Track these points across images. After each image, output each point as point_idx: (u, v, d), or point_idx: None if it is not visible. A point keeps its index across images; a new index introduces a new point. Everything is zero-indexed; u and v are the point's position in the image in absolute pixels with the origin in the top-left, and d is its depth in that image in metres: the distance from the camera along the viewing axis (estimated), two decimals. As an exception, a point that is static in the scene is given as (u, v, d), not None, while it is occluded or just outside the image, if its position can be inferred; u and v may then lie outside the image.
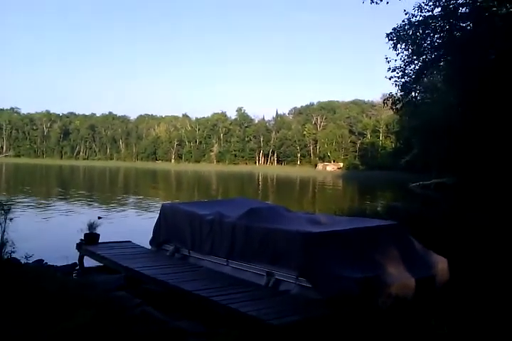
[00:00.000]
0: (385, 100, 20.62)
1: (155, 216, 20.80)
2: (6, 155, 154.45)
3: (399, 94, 19.08)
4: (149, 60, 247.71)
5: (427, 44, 17.42)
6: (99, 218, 19.00)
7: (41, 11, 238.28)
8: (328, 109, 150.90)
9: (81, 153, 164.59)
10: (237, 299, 6.73)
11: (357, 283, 6.40)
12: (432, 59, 17.78)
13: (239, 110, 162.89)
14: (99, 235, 11.17)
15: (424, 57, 17.70)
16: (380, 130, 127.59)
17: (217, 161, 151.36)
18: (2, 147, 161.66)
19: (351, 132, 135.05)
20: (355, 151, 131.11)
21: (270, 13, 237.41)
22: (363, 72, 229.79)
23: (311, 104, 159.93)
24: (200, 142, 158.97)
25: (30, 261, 9.05)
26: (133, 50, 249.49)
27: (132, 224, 18.67)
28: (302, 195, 45.19)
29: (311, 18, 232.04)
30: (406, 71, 18.13)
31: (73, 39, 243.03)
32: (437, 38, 17.29)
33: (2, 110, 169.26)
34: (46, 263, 10.46)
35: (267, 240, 7.72)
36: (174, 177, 77.19)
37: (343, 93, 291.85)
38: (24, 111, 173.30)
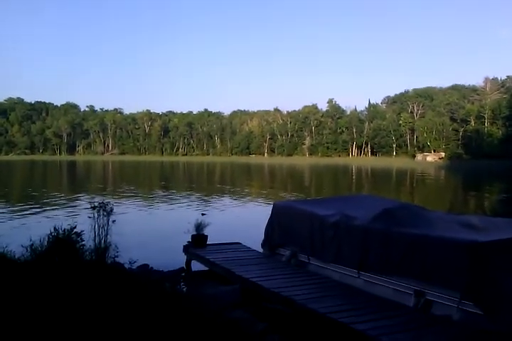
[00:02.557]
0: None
1: (259, 213, 20.46)
2: (112, 153, 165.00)
3: None
4: (241, 57, 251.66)
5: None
6: (203, 215, 18.73)
7: (140, 12, 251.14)
8: (425, 96, 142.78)
9: (180, 150, 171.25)
10: (386, 328, 5.47)
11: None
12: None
13: (330, 101, 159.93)
14: (207, 236, 10.45)
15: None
16: (485, 116, 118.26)
17: (310, 154, 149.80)
18: (108, 145, 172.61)
19: (452, 119, 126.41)
20: (458, 140, 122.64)
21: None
22: (460, 56, 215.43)
23: (406, 92, 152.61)
24: (292, 135, 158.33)
25: (135, 267, 8.49)
26: (224, 50, 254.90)
27: (237, 222, 18.11)
28: (403, 188, 42.46)
29: (399, 1, 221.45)
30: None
31: (170, 41, 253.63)
32: None
33: (107, 111, 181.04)
34: (152, 268, 9.78)
35: (414, 250, 6.47)
36: (268, 171, 77.05)
37: (440, 78, 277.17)
38: (127, 111, 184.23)
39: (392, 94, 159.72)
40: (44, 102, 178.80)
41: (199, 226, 10.28)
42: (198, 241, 10.21)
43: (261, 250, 10.16)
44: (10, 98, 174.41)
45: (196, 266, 10.02)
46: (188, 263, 10.20)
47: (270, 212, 10.00)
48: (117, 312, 5.23)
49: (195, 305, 5.52)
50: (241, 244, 10.98)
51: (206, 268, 9.68)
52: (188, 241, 10.35)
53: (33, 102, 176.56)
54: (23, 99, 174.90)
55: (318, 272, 8.16)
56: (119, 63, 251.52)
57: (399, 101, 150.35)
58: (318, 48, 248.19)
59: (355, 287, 7.24)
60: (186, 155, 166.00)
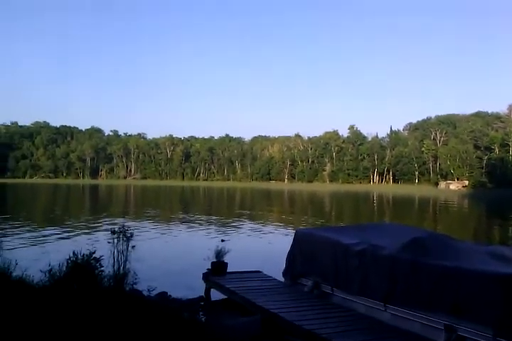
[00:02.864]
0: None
1: (280, 240, 20.18)
2: (134, 178, 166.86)
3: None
4: (262, 82, 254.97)
5: None
6: (223, 241, 18.49)
7: (164, 35, 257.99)
8: (448, 123, 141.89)
9: (201, 175, 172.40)
10: None
11: None
12: None
13: (351, 128, 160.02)
14: (227, 264, 10.20)
15: None
16: (510, 143, 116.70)
17: (330, 181, 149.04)
18: (131, 170, 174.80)
19: (476, 147, 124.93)
20: (482, 168, 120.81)
21: (376, 23, 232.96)
22: (484, 82, 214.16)
23: (428, 119, 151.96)
24: (313, 161, 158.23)
25: (153, 294, 8.31)
26: (245, 75, 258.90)
27: (257, 249, 17.77)
28: (427, 216, 41.61)
29: (423, 24, 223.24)
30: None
31: (192, 67, 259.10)
32: None
33: (130, 136, 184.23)
34: (170, 296, 9.51)
35: (445, 282, 6.15)
36: (289, 197, 76.68)
37: (463, 105, 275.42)
38: (150, 136, 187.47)
39: (414, 121, 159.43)
40: (69, 126, 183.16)
41: (219, 253, 10.07)
42: (217, 269, 10.00)
43: (282, 279, 9.85)
44: (36, 122, 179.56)
45: (216, 294, 9.78)
46: (207, 291, 9.95)
47: (292, 240, 9.75)
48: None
49: (215, 337, 5.31)
50: (261, 272, 10.71)
51: (226, 297, 9.43)
52: (208, 269, 10.12)
53: (58, 126, 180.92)
54: (48, 123, 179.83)
55: (343, 304, 7.84)
56: (143, 89, 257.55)
57: (421, 128, 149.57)
58: (339, 73, 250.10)
59: (382, 321, 6.91)
60: (207, 180, 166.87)
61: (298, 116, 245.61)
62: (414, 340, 6.05)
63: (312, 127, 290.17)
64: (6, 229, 20.88)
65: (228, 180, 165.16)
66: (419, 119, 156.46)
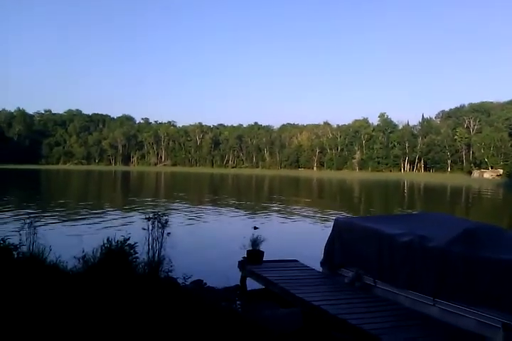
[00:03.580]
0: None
1: (313, 228, 19.83)
2: (164, 165, 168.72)
3: None
4: (292, 71, 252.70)
5: None
6: (255, 228, 18.21)
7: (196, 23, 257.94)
8: (482, 110, 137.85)
9: (230, 162, 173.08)
10: None
11: None
12: None
13: (381, 115, 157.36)
14: (263, 253, 9.88)
15: None
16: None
17: (360, 169, 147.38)
18: (161, 157, 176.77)
19: (511, 135, 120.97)
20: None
21: (408, 10, 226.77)
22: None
23: (462, 107, 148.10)
24: (342, 149, 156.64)
25: (188, 282, 8.12)
26: (275, 63, 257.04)
27: (290, 237, 17.38)
28: (462, 206, 40.42)
29: (452, 11, 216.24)
30: None
31: (224, 56, 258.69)
32: None
33: (161, 123, 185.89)
34: (205, 284, 9.30)
35: (503, 278, 5.69)
36: (318, 184, 75.97)
37: (497, 93, 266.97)
38: (179, 124, 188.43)
39: (446, 109, 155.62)
40: (101, 114, 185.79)
41: (255, 242, 9.77)
42: (253, 258, 9.70)
43: (319, 268, 9.55)
44: (69, 110, 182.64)
45: (251, 282, 9.51)
46: (243, 280, 9.70)
47: (331, 229, 9.39)
48: (172, 331, 4.82)
49: (253, 328, 5.03)
50: (298, 261, 10.41)
51: (262, 286, 9.15)
52: (244, 257, 9.85)
53: (90, 114, 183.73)
54: (81, 111, 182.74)
55: (387, 297, 7.46)
56: (173, 77, 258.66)
57: (454, 116, 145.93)
58: (369, 61, 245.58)
59: (430, 316, 6.51)
60: (235, 167, 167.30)
61: (327, 104, 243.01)
62: (467, 338, 5.67)
63: (341, 115, 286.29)
64: (40, 214, 21.07)
65: (257, 167, 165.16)
66: (452, 107, 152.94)
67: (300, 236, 17.50)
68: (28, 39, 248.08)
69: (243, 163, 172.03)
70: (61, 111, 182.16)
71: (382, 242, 7.71)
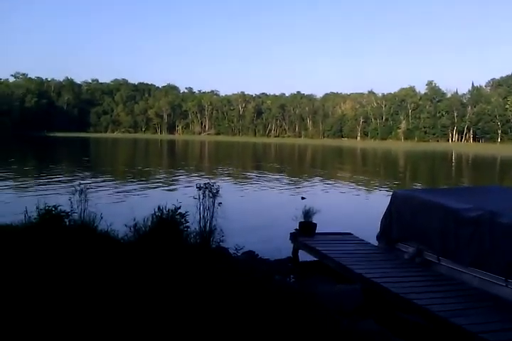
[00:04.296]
0: None
1: (363, 199, 19.37)
2: (208, 134, 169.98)
3: None
4: (334, 38, 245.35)
5: None
6: (303, 198, 17.97)
7: None
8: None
9: (272, 131, 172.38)
10: None
11: None
12: None
13: (429, 84, 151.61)
14: (316, 225, 9.58)
15: None
16: None
17: (405, 139, 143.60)
18: (205, 126, 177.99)
19: None
20: None
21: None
22: None
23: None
24: (387, 119, 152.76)
25: (240, 253, 8.01)
26: (318, 31, 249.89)
27: (339, 208, 16.87)
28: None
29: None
30: None
31: (264, 26, 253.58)
32: None
33: (204, 93, 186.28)
34: (257, 255, 9.11)
35: None
36: (362, 154, 74.53)
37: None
38: (222, 93, 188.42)
39: (497, 77, 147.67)
40: (147, 83, 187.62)
41: (307, 214, 9.46)
42: (306, 229, 9.41)
43: (374, 242, 9.20)
44: (115, 79, 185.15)
45: (303, 254, 9.29)
46: (295, 252, 9.45)
47: (388, 201, 8.98)
48: (226, 304, 4.71)
49: (311, 304, 4.84)
50: (352, 234, 10.05)
51: (313, 258, 8.92)
52: (296, 229, 9.56)
53: (136, 83, 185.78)
54: (127, 80, 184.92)
55: (452, 275, 7.07)
56: (216, 47, 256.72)
57: (505, 84, 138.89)
58: (416, 26, 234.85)
59: (503, 298, 6.08)
60: (278, 136, 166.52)
61: (371, 72, 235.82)
62: None
63: (387, 84, 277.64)
64: (91, 182, 21.34)
65: (299, 137, 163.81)
66: (503, 75, 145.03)
67: (349, 207, 17.14)
68: (74, 11, 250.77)
69: (285, 133, 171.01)
70: (108, 81, 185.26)
71: (447, 217, 7.27)
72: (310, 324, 4.16)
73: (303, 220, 9.51)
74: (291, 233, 9.61)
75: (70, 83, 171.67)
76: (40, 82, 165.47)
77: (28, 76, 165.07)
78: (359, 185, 25.57)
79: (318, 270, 8.55)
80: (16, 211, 8.10)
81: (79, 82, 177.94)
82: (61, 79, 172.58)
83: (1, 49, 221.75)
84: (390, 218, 8.66)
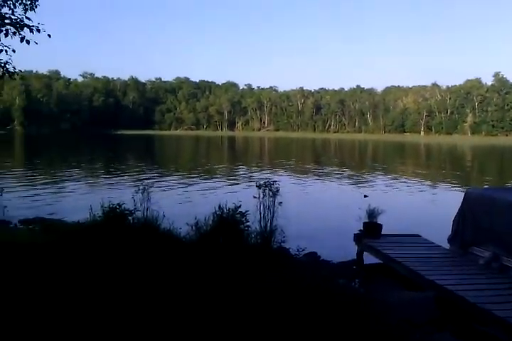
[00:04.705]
0: None
1: (432, 198, 18.44)
2: (267, 130, 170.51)
3: None
4: (394, 30, 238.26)
5: None
6: (365, 196, 17.42)
7: None
8: None
9: (331, 127, 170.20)
10: None
11: None
12: None
13: (496, 75, 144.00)
14: (381, 226, 9.10)
15: None
16: None
17: (472, 133, 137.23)
18: (264, 122, 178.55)
19: None
20: None
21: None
22: None
23: None
24: (452, 112, 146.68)
25: (301, 255, 7.79)
26: (378, 24, 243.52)
27: (403, 207, 15.90)
28: None
29: None
30: None
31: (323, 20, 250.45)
32: None
33: (263, 89, 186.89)
34: (320, 257, 8.77)
35: None
36: (427, 150, 71.77)
37: None
38: (281, 89, 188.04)
39: None
40: (207, 81, 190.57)
41: (372, 214, 9.01)
42: (371, 231, 8.95)
43: (445, 245, 8.64)
44: (177, 77, 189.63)
45: (367, 256, 8.87)
46: (359, 254, 9.02)
47: (461, 202, 8.40)
48: (287, 308, 4.56)
49: (379, 312, 4.58)
50: (421, 236, 9.47)
51: (379, 261, 8.49)
52: (360, 230, 9.15)
53: (197, 81, 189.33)
54: (189, 78, 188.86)
55: None
56: (275, 43, 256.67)
57: None
58: (483, 15, 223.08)
59: None
60: (337, 132, 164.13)
61: (434, 64, 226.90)
62: None
63: (451, 76, 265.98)
64: (154, 179, 21.65)
65: (359, 132, 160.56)
66: None
67: (414, 206, 16.28)
68: (137, 11, 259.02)
69: (345, 128, 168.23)
70: (170, 79, 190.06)
71: None
72: (378, 335, 3.92)
73: (367, 220, 9.09)
74: (355, 234, 9.21)
75: (134, 82, 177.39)
76: (107, 81, 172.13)
77: (95, 75, 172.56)
78: (424, 183, 24.51)
79: (383, 272, 8.13)
80: (83, 207, 8.34)
81: (143, 81, 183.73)
82: (126, 78, 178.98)
83: (70, 48, 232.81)
84: (463, 219, 8.12)
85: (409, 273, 7.24)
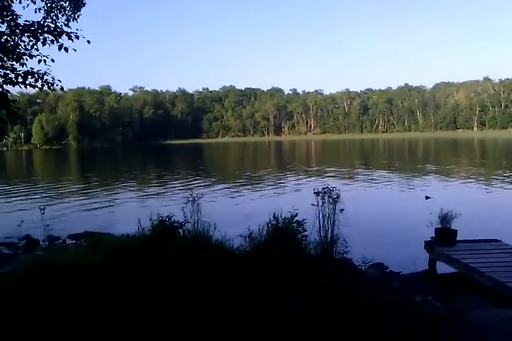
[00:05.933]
0: None
1: (493, 197, 17.06)
2: (314, 133, 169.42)
3: None
4: (437, 23, 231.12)
5: None
6: (427, 198, 16.39)
7: None
8: None
9: (380, 127, 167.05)
10: None
11: None
12: None
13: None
14: (456, 232, 8.22)
15: None
16: None
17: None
18: (310, 125, 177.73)
19: None
20: None
21: None
22: None
23: None
24: (506, 106, 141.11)
25: (367, 266, 7.13)
26: (421, 17, 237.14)
27: (472, 207, 13.94)
28: None
29: None
30: None
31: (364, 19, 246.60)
32: None
33: (308, 93, 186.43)
34: (387, 268, 7.90)
35: None
36: (481, 147, 68.27)
37: None
38: (326, 91, 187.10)
39: None
40: (252, 88, 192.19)
41: (444, 219, 8.15)
42: (444, 237, 8.11)
43: None
44: (224, 86, 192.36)
45: (443, 267, 7.94)
46: (432, 264, 8.11)
47: None
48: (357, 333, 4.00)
49: (466, 336, 3.92)
50: (501, 241, 8.49)
51: (453, 270, 7.64)
52: (432, 237, 8.28)
53: (243, 89, 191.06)
54: (234, 87, 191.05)
55: None
56: (317, 45, 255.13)
57: None
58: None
59: None
60: (386, 132, 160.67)
61: (486, 57, 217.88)
62: None
63: (504, 68, 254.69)
64: (203, 188, 21.32)
65: (409, 131, 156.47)
66: None
67: (483, 207, 14.68)
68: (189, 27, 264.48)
69: (394, 127, 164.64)
70: (217, 88, 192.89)
71: None
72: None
73: (439, 226, 8.20)
74: (425, 241, 8.32)
75: (182, 93, 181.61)
76: (156, 93, 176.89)
77: (145, 89, 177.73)
78: (488, 182, 22.86)
79: (459, 283, 7.23)
80: (129, 220, 8.06)
81: (191, 92, 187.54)
82: (174, 90, 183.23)
83: (119, 64, 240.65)
84: None
85: (496, 285, 6.34)
